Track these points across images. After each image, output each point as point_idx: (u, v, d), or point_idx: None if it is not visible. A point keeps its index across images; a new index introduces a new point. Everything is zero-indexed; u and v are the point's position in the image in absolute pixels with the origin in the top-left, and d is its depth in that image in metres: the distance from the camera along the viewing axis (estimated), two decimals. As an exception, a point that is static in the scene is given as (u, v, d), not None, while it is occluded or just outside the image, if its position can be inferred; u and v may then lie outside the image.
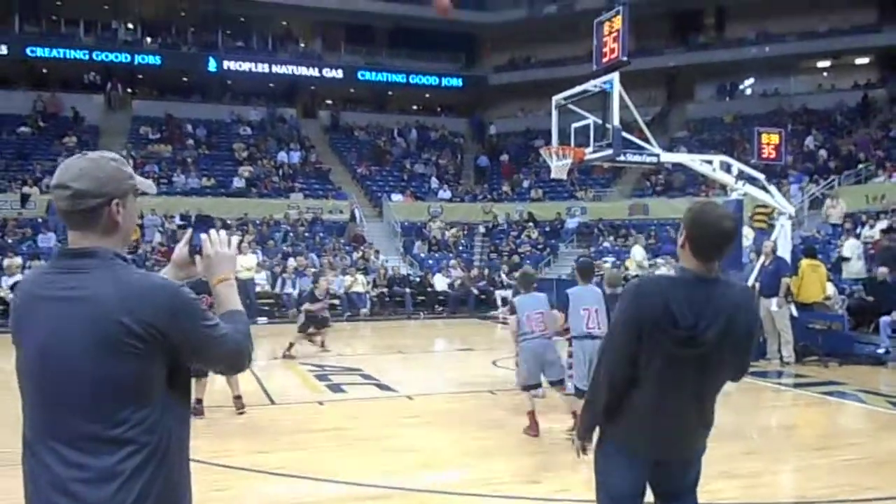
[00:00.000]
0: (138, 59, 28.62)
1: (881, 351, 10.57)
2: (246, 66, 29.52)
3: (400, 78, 31.64)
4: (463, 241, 23.03)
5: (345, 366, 10.19)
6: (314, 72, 30.66)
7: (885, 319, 10.76)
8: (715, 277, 2.62)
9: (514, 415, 7.24)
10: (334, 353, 11.25)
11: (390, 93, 33.38)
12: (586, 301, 6.30)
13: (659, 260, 17.16)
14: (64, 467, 1.67)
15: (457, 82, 32.55)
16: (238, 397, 7.30)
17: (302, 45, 32.14)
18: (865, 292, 12.01)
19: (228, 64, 29.26)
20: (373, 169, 27.34)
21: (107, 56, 28.19)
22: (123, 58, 28.42)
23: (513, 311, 6.73)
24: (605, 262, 17.05)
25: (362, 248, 20.72)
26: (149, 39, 29.66)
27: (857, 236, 15.95)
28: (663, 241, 19.59)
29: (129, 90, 29.61)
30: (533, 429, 6.39)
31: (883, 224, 15.87)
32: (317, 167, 26.56)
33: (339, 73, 30.94)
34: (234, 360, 1.87)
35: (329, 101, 32.69)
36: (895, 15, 26.39)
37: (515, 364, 7.57)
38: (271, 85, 31.18)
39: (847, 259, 13.54)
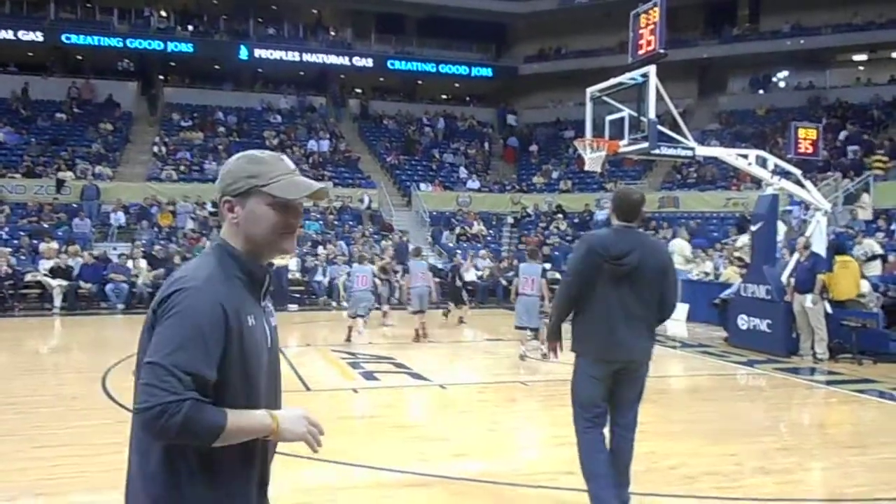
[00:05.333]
0: (171, 46, 28.91)
1: (916, 350, 10.45)
2: (277, 54, 29.69)
3: (430, 67, 31.65)
4: (491, 232, 23.07)
5: (376, 354, 10.31)
6: (344, 60, 30.75)
7: (920, 318, 10.64)
8: (635, 228, 4.09)
9: (548, 406, 7.32)
10: (365, 342, 11.39)
11: (420, 82, 33.43)
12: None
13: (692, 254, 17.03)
14: None
15: (487, 72, 32.48)
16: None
17: (332, 33, 32.25)
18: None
19: (259, 52, 29.46)
20: (402, 158, 27.43)
21: (140, 43, 28.50)
22: (157, 45, 28.72)
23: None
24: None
25: (390, 236, 20.84)
26: (181, 27, 29.95)
27: (892, 233, 15.76)
28: (695, 234, 19.42)
29: (161, 77, 30.01)
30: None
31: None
32: (346, 156, 26.72)
33: (368, 62, 31.01)
34: (139, 403, 1.59)
35: (358, 90, 32.82)
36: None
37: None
38: (301, 73, 31.36)
39: (875, 258, 13.35)
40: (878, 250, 13.67)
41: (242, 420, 1.67)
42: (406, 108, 31.56)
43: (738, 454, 5.66)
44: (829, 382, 9.05)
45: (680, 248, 16.00)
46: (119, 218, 19.72)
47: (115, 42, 28.16)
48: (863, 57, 29.13)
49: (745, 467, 5.37)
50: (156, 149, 24.35)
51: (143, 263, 16.05)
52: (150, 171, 22.94)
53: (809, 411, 7.92)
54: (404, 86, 33.53)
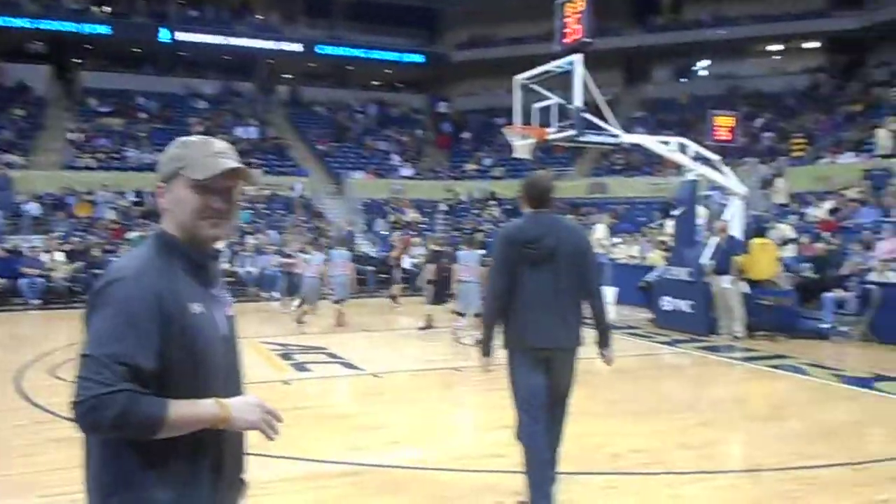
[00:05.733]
0: (87, 28, 27.61)
1: (825, 326, 11.04)
2: (200, 37, 28.78)
3: (360, 52, 31.30)
4: (426, 219, 23.11)
5: (309, 344, 10.23)
6: (271, 44, 30.09)
7: (828, 296, 11.22)
8: (547, 213, 4.02)
9: (481, 391, 7.42)
10: (297, 332, 11.28)
11: (350, 68, 33.03)
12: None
13: (616, 239, 17.48)
14: None
15: (418, 58, 32.35)
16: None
17: (259, 16, 31.51)
18: (814, 270, 12.42)
19: (181, 35, 28.48)
20: (333, 145, 27.12)
21: (52, 24, 27.04)
22: (70, 27, 27.33)
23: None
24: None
25: (322, 224, 20.64)
26: (96, 7, 28.66)
27: (803, 216, 16.55)
28: (623, 218, 19.93)
29: (77, 61, 28.73)
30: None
31: (829, 204, 16.47)
32: (275, 143, 26.24)
33: (297, 47, 30.42)
34: (73, 397, 1.55)
35: (287, 76, 32.22)
36: (843, 1, 27.04)
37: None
38: (227, 57, 30.52)
39: (788, 242, 14.01)
40: (791, 235, 14.33)
41: (186, 409, 1.61)
42: (337, 95, 31.17)
43: (661, 431, 5.89)
44: (746, 359, 9.47)
45: (597, 233, 16.47)
46: (32, 209, 18.84)
47: (24, 23, 26.63)
48: (778, 47, 30.33)
49: (668, 443, 5.59)
50: (72, 136, 23.35)
51: (59, 256, 15.40)
52: (66, 160, 21.99)
53: (728, 387, 8.27)
54: (334, 71, 33.09)
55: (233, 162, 1.81)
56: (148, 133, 24.07)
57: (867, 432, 6.11)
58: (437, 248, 12.50)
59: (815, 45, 29.32)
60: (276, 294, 15.47)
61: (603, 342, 4.08)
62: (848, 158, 19.38)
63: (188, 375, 1.67)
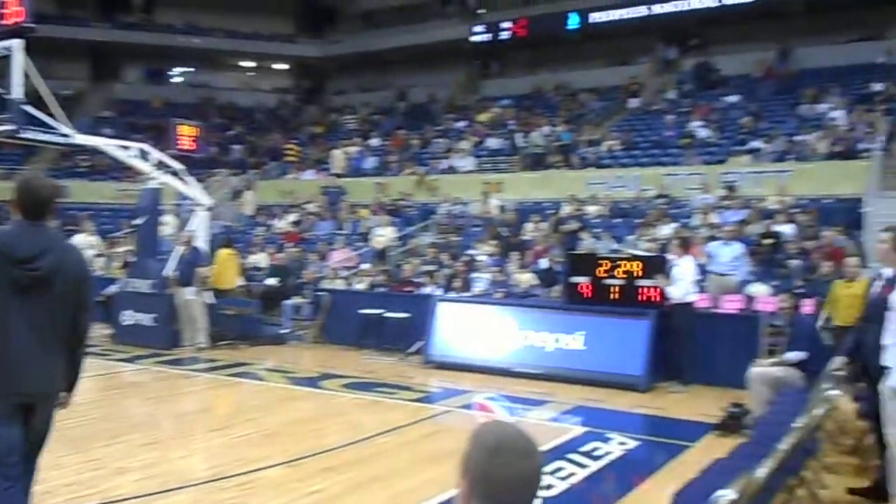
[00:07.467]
0: None
1: (284, 331, 11.90)
2: None
3: None
4: None
5: None
6: None
7: (287, 303, 12.15)
8: (44, 226, 3.30)
9: None
10: None
11: None
12: None
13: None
14: None
15: None
16: None
17: None
18: (279, 280, 13.12)
19: None
20: None
21: None
22: None
23: None
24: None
25: None
26: None
27: (268, 227, 17.66)
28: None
29: None
30: None
31: (293, 217, 17.93)
32: None
33: None
34: None
35: None
36: (309, 29, 30.00)
37: None
38: None
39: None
40: (263, 264, 14.61)
41: None
42: None
43: (101, 458, 5.43)
44: (208, 370, 9.53)
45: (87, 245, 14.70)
46: None
47: None
48: (251, 64, 31.96)
49: (106, 470, 5.18)
50: None
51: None
52: None
53: (185, 400, 8.18)
54: None
55: None
56: None
57: (305, 429, 6.65)
58: None
59: (284, 66, 31.84)
60: None
61: (69, 387, 3.44)
62: (309, 175, 21.44)
63: None
